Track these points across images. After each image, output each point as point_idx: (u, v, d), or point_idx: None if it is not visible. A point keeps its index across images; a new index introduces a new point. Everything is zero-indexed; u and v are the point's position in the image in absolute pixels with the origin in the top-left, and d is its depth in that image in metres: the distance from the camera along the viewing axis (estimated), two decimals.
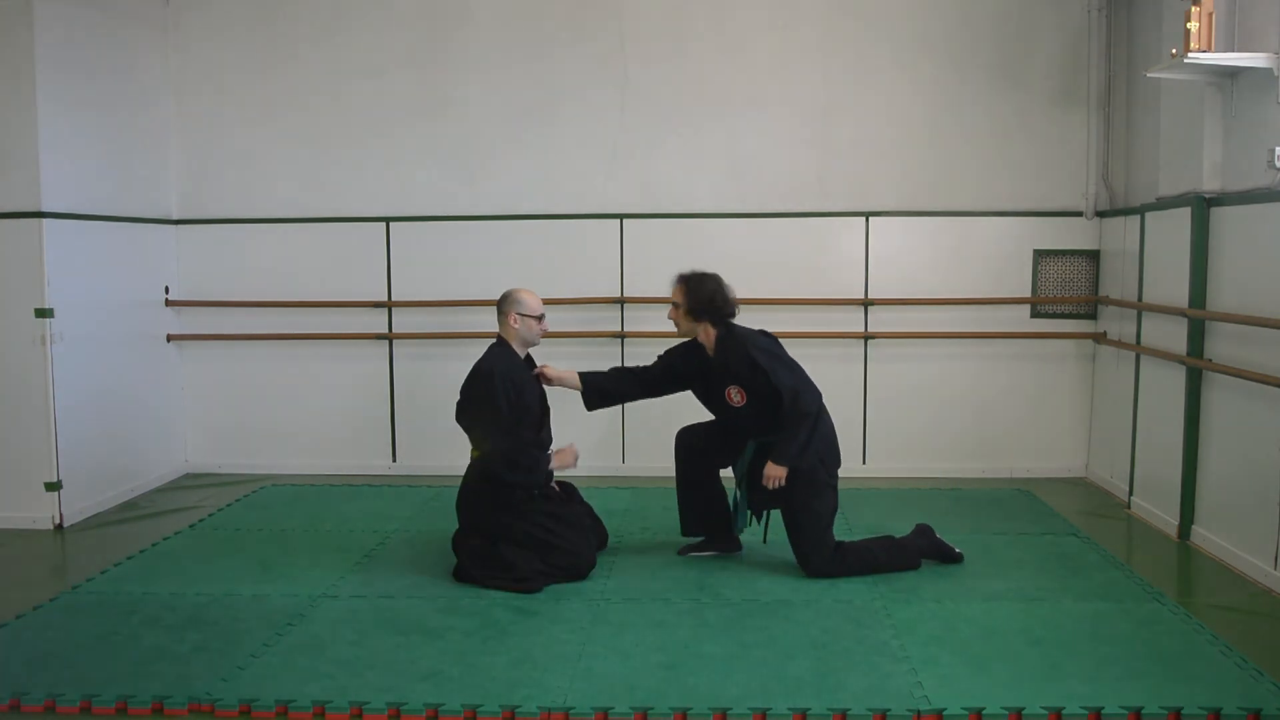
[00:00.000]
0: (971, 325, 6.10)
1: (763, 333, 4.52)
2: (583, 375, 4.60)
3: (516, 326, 4.44)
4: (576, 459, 4.48)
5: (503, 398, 4.26)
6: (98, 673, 3.44)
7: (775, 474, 4.25)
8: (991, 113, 6.05)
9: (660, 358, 4.67)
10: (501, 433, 4.27)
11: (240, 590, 4.24)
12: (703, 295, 4.37)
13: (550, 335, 6.14)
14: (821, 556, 4.32)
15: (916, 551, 4.42)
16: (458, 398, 4.36)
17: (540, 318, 4.48)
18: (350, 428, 6.40)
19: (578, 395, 4.62)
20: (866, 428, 6.12)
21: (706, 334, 4.43)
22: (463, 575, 4.32)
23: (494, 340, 4.51)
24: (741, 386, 4.33)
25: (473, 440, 4.39)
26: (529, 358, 4.57)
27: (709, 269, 4.53)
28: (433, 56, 6.21)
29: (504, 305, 4.48)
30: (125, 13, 5.89)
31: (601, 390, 4.62)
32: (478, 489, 4.33)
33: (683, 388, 4.63)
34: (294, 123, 6.29)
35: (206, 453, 6.46)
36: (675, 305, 4.45)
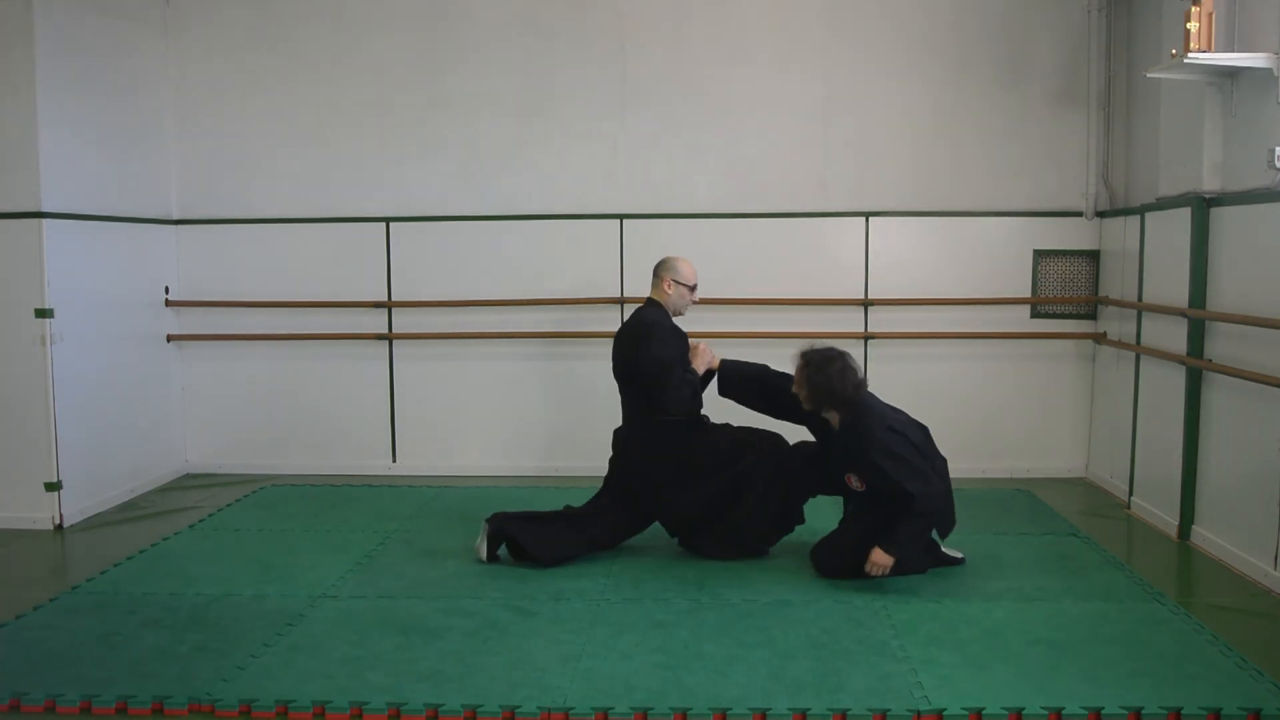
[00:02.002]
0: (971, 325, 6.10)
1: (891, 419, 4.25)
2: (724, 363, 4.66)
3: (670, 292, 4.65)
4: (710, 353, 4.65)
5: (673, 342, 4.53)
6: (98, 673, 3.44)
7: (882, 563, 4.09)
8: (991, 113, 6.05)
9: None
10: (675, 370, 4.46)
11: (240, 590, 4.24)
12: (820, 385, 4.19)
13: (550, 335, 6.21)
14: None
15: (928, 557, 4.41)
16: (615, 354, 4.56)
17: (693, 288, 4.70)
18: (350, 428, 6.40)
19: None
20: None
21: (831, 416, 4.31)
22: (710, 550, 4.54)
23: (644, 301, 4.70)
24: (861, 477, 4.24)
25: (650, 386, 4.45)
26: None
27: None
28: (433, 56, 6.21)
29: (661, 270, 4.69)
30: (125, 13, 5.89)
31: (735, 386, 4.63)
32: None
33: (782, 417, 4.61)
34: (294, 123, 6.29)
35: (206, 453, 6.46)
36: (798, 391, 4.30)
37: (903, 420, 4.32)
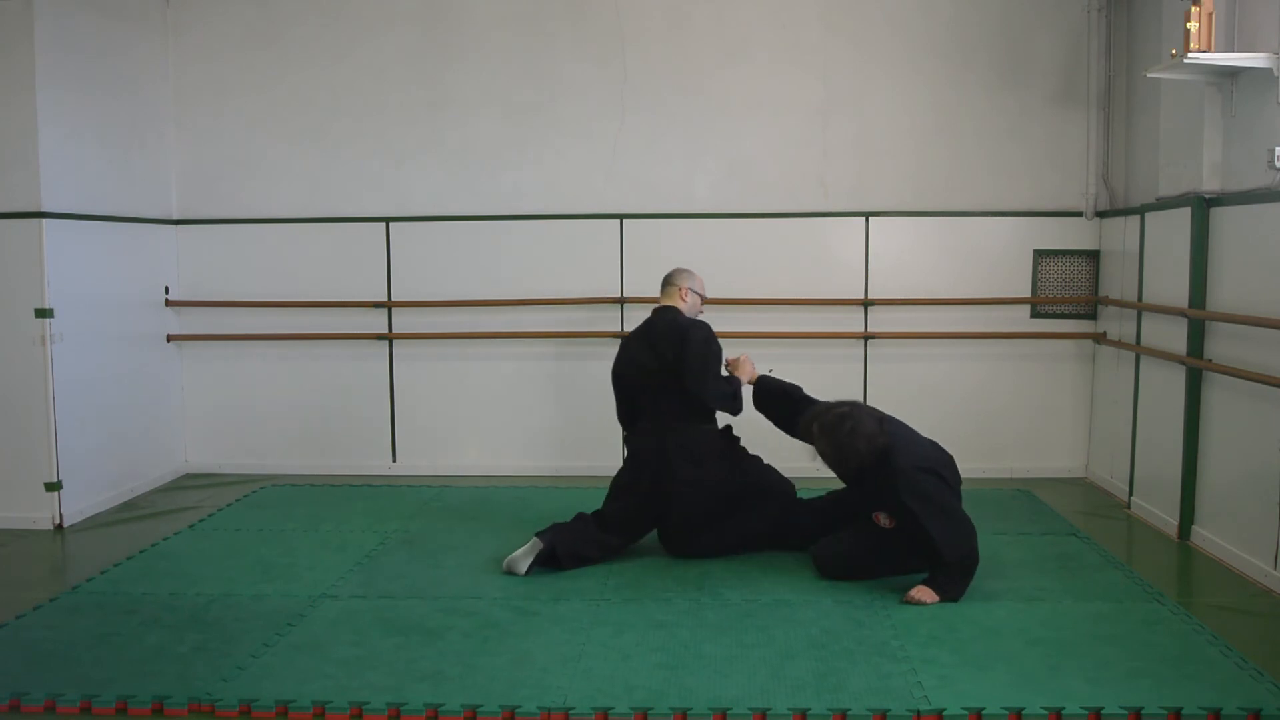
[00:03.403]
0: (971, 325, 6.10)
1: (922, 456, 4.12)
2: (761, 378, 4.72)
3: (687, 300, 4.77)
4: (752, 366, 4.75)
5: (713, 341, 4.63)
6: (98, 673, 3.44)
7: (926, 599, 3.98)
8: (991, 113, 6.05)
9: None
10: (717, 369, 4.58)
11: (240, 590, 4.24)
12: (834, 454, 4.08)
13: (550, 335, 6.21)
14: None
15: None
16: (655, 357, 4.57)
17: (704, 299, 4.86)
18: (350, 428, 6.40)
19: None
20: None
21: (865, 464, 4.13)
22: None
23: (661, 307, 4.77)
24: (892, 516, 4.16)
25: (691, 383, 4.50)
26: None
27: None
28: (433, 56, 6.21)
29: (677, 279, 4.80)
30: (125, 13, 5.89)
31: (770, 402, 4.67)
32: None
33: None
34: (294, 123, 6.29)
35: (206, 453, 6.46)
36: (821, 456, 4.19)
37: (932, 456, 4.18)
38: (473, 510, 5.49)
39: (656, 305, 4.81)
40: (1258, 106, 4.49)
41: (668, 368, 4.56)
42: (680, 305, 4.76)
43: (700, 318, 4.79)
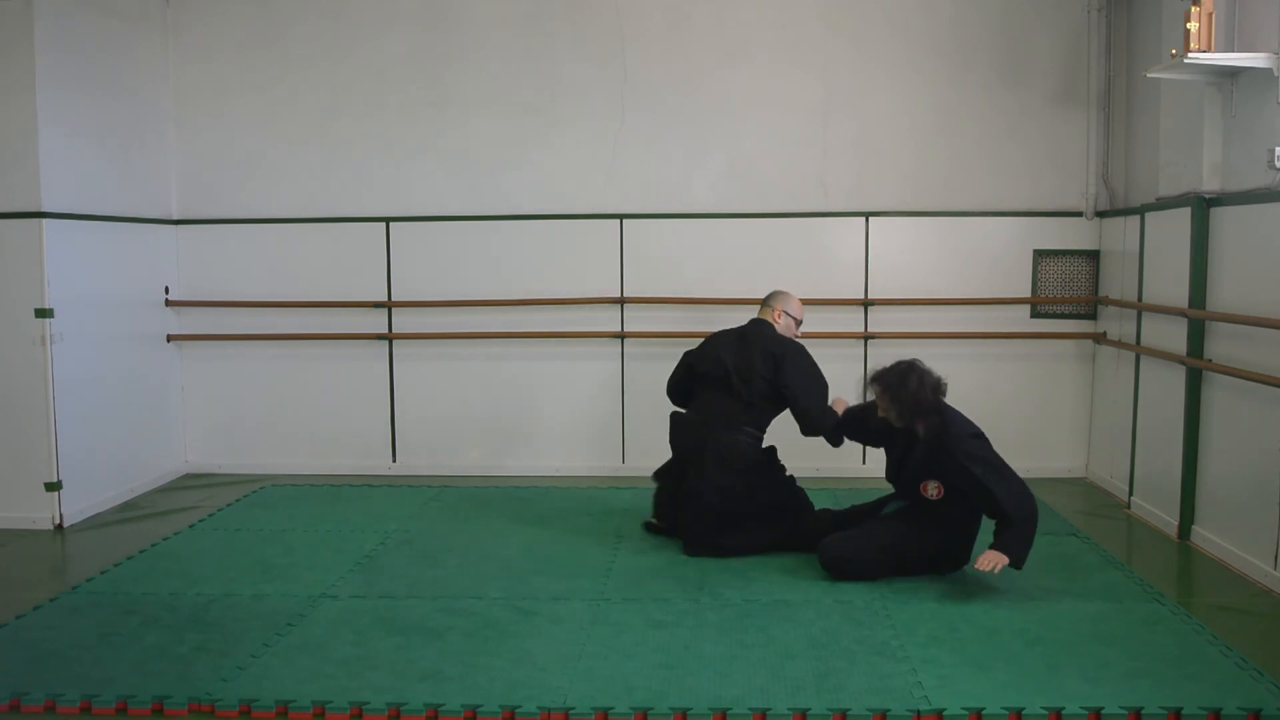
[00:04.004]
0: (971, 325, 6.10)
1: (972, 425, 4.30)
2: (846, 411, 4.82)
3: (780, 322, 4.88)
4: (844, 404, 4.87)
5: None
6: (98, 673, 3.44)
7: (999, 561, 4.00)
8: (991, 113, 6.05)
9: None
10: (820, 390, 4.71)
11: (240, 590, 4.24)
12: (905, 400, 4.21)
13: (550, 335, 6.21)
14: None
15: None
16: (740, 360, 4.67)
17: (800, 323, 4.97)
18: (350, 428, 6.40)
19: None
20: None
21: (920, 425, 4.24)
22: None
23: (756, 319, 4.91)
24: (941, 484, 4.22)
25: (811, 408, 4.65)
26: None
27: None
28: (432, 55, 6.21)
29: (773, 300, 4.94)
30: (125, 13, 5.89)
31: (851, 428, 4.75)
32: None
33: (877, 445, 4.66)
34: (294, 122, 6.29)
35: (206, 453, 6.46)
36: (884, 413, 4.33)
37: (974, 425, 4.33)
38: (473, 510, 5.49)
39: (752, 318, 4.94)
40: (1258, 106, 4.49)
41: (745, 373, 4.67)
42: (774, 324, 4.87)
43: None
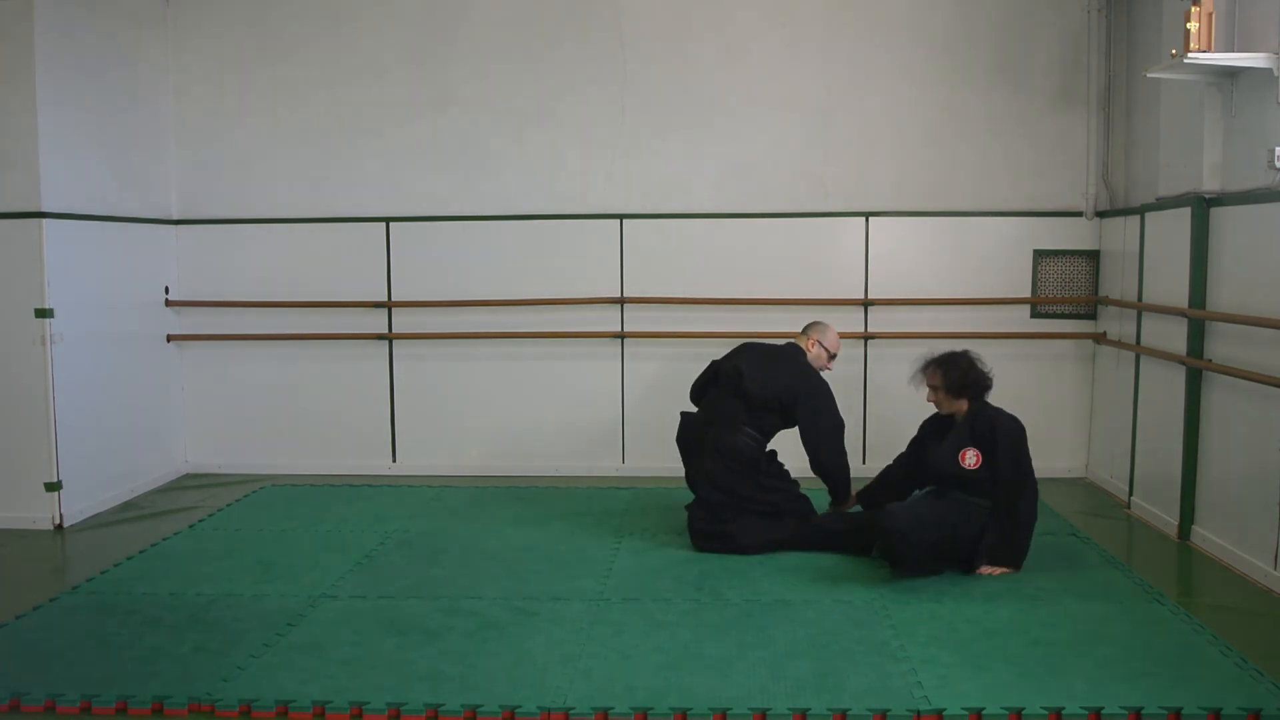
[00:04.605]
0: (971, 325, 6.09)
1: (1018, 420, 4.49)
2: (859, 494, 4.89)
3: (813, 350, 4.94)
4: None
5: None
6: (98, 673, 3.44)
7: (995, 571, 4.31)
8: (991, 113, 6.05)
9: (912, 442, 4.75)
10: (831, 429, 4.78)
11: (240, 590, 4.24)
12: (958, 379, 4.44)
13: (550, 335, 6.21)
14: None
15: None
16: (759, 372, 4.74)
17: (834, 357, 5.01)
18: (350, 428, 6.40)
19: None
20: (866, 428, 6.11)
21: (961, 407, 4.49)
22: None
23: (792, 342, 4.96)
24: (980, 451, 4.35)
25: (804, 440, 4.72)
26: None
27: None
28: (432, 56, 6.21)
29: (812, 330, 5.01)
30: (125, 13, 5.89)
31: (877, 501, 4.78)
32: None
33: (910, 474, 4.74)
34: (294, 122, 6.29)
35: (206, 453, 6.46)
36: (933, 389, 4.51)
37: None
38: (473, 510, 5.49)
39: (789, 340, 5.01)
40: (1258, 106, 4.49)
41: (760, 382, 4.72)
42: (807, 351, 4.93)
43: (824, 372, 4.94)
